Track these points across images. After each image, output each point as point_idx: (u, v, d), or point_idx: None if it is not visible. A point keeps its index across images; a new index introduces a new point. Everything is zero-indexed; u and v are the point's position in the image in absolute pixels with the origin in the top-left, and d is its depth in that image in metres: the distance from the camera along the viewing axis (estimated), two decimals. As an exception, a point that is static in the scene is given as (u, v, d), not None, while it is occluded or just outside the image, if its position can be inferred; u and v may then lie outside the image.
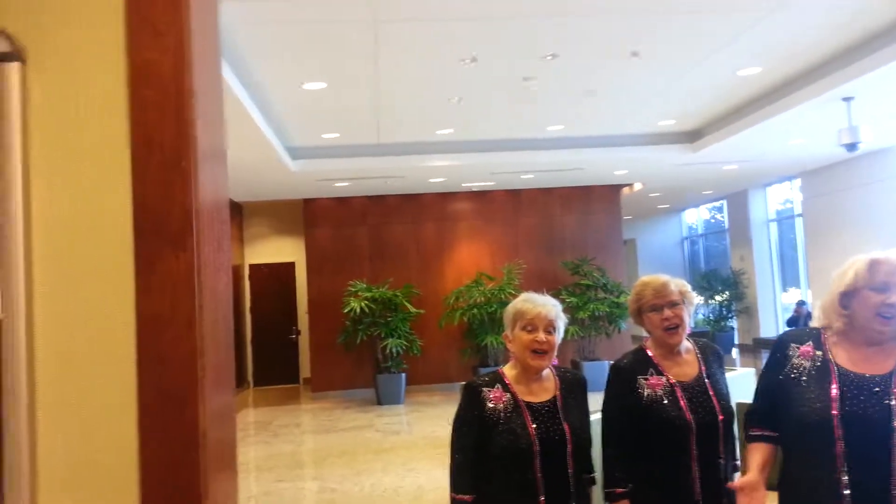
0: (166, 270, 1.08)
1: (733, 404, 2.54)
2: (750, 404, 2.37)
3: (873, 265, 2.16)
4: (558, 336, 2.45)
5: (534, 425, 2.35)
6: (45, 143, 1.14)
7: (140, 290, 1.09)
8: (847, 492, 2.02)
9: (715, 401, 2.42)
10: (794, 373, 2.22)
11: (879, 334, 2.12)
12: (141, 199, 1.09)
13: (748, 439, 2.34)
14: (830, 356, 2.19)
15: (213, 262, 1.16)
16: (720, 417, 2.39)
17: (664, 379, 2.45)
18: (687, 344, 2.56)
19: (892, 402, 2.03)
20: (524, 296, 2.54)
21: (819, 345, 2.23)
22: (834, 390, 2.10)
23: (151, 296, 1.08)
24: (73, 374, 1.12)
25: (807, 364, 2.20)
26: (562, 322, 2.48)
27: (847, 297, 2.19)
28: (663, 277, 2.55)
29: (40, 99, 1.14)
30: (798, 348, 2.25)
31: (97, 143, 1.13)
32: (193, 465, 1.14)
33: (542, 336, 2.40)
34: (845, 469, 2.03)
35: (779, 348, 2.32)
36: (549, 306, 2.45)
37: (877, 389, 2.07)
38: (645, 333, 2.62)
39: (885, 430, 2.01)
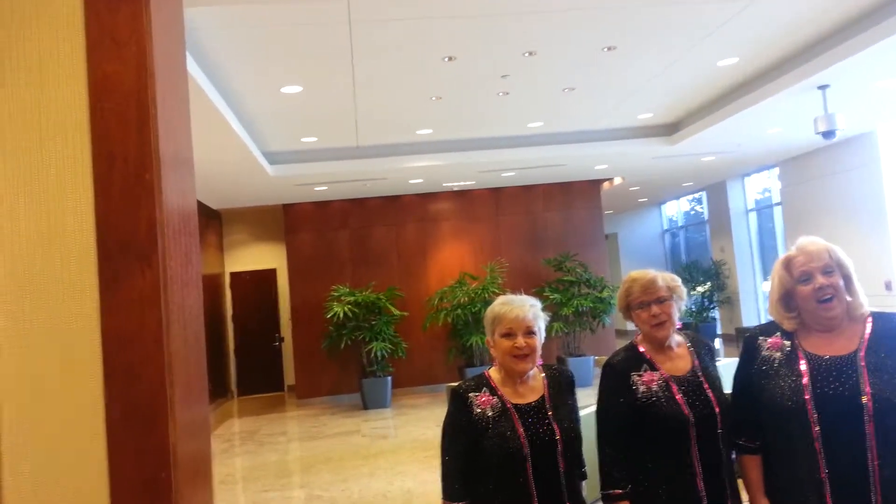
0: (131, 287, 1.05)
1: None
2: (731, 407, 2.39)
3: (787, 263, 2.27)
4: (540, 336, 2.43)
5: (523, 427, 2.33)
6: (6, 160, 1.11)
7: (105, 307, 1.06)
8: (825, 473, 2.06)
9: (711, 393, 2.40)
10: (765, 365, 2.26)
11: (830, 319, 2.18)
12: (104, 214, 1.06)
13: (737, 449, 2.37)
14: (798, 343, 2.23)
15: (181, 277, 1.13)
16: (717, 410, 2.37)
17: (658, 374, 2.42)
18: (678, 338, 2.54)
19: (861, 380, 2.06)
20: (501, 299, 2.51)
21: (787, 334, 2.27)
22: (804, 376, 2.15)
23: (117, 313, 1.05)
24: (38, 394, 1.09)
25: (777, 355, 2.25)
26: (542, 321, 2.46)
27: (786, 301, 2.27)
28: (651, 273, 2.53)
29: (0, 114, 1.11)
30: (766, 340, 2.30)
31: (59, 158, 1.10)
32: (165, 484, 1.11)
33: (521, 341, 2.38)
34: (822, 451, 2.06)
35: (748, 345, 2.37)
36: (525, 308, 2.43)
37: (845, 369, 2.11)
38: (629, 327, 2.60)
39: (856, 408, 2.04)
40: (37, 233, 1.09)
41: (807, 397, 2.11)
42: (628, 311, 2.55)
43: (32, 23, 1.13)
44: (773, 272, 2.32)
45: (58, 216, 1.09)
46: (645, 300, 2.47)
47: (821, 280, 2.16)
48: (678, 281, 2.55)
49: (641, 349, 2.51)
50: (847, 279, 2.19)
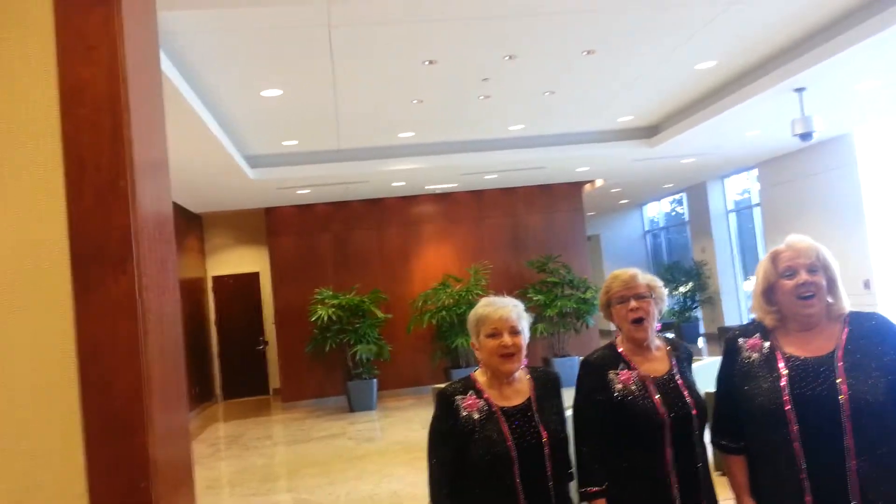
0: (106, 295, 1.03)
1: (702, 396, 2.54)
2: (714, 409, 2.41)
3: (774, 257, 2.28)
4: (524, 336, 2.43)
5: (509, 430, 2.32)
6: (-24, 167, 1.09)
7: (79, 316, 1.04)
8: (804, 475, 2.07)
9: (688, 396, 2.41)
10: (745, 366, 2.27)
11: (808, 317, 2.20)
12: (77, 222, 1.04)
13: (720, 449, 2.38)
14: (777, 344, 2.25)
15: (158, 284, 1.12)
16: (694, 412, 2.39)
17: (635, 373, 2.43)
18: (657, 341, 2.55)
19: (838, 380, 2.08)
20: (484, 301, 2.51)
21: (766, 335, 2.29)
22: (783, 377, 2.16)
23: (91, 321, 1.04)
24: (13, 406, 1.07)
25: (755, 356, 2.27)
26: (525, 321, 2.46)
27: (768, 295, 2.28)
28: (632, 270, 2.55)
29: (-33, 121, 1.09)
30: (746, 342, 2.31)
31: (30, 164, 1.09)
32: (146, 494, 1.10)
33: (507, 340, 2.38)
34: (802, 452, 2.08)
35: (728, 346, 2.38)
36: (509, 308, 2.43)
37: (822, 369, 2.12)
38: (613, 328, 2.62)
39: (834, 407, 2.06)
40: (8, 241, 1.07)
41: (785, 398, 2.12)
42: (608, 308, 2.57)
43: (1, 28, 1.11)
44: (759, 265, 2.33)
45: (30, 224, 1.07)
46: (625, 294, 2.49)
47: (804, 277, 2.17)
48: (659, 283, 2.57)
49: (620, 349, 2.52)
50: (831, 281, 2.20)
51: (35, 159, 1.07)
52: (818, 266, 2.19)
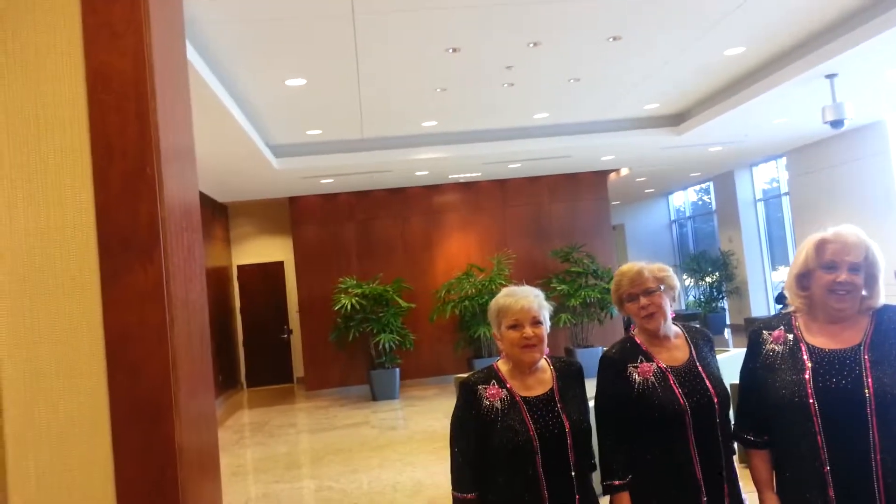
0: (133, 282, 1.04)
1: (727, 386, 2.52)
2: (737, 402, 2.38)
3: (820, 245, 2.19)
4: (546, 326, 2.42)
5: (532, 420, 2.32)
6: (4, 155, 1.10)
7: (106, 303, 1.05)
8: (827, 468, 2.04)
9: (708, 383, 2.39)
10: (769, 359, 2.24)
11: (837, 311, 2.15)
12: (104, 209, 1.05)
13: (743, 444, 2.35)
14: (801, 336, 2.21)
15: (184, 272, 1.12)
16: (715, 400, 2.37)
17: (654, 365, 2.42)
18: (675, 329, 2.53)
19: (864, 373, 2.05)
20: (505, 291, 2.50)
21: (790, 328, 2.25)
22: (807, 369, 2.12)
23: (119, 309, 1.04)
24: (41, 393, 1.08)
25: (779, 348, 2.23)
26: (546, 311, 2.44)
27: (803, 279, 2.22)
28: (638, 266, 2.53)
29: (-3, 108, 1.10)
30: (770, 334, 2.27)
31: (57, 152, 1.09)
32: (172, 480, 1.10)
33: (528, 331, 2.36)
34: (825, 445, 2.05)
35: (752, 339, 2.35)
36: (530, 298, 2.41)
37: (848, 362, 2.09)
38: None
39: (859, 400, 2.02)
40: (36, 229, 1.08)
41: (809, 391, 2.08)
42: (621, 305, 2.56)
43: (28, 15, 1.11)
44: (802, 246, 2.26)
45: (57, 212, 1.08)
46: (633, 292, 2.49)
47: (843, 276, 2.11)
48: (667, 271, 2.54)
49: (637, 341, 2.51)
50: (872, 278, 2.14)
51: (62, 146, 1.08)
52: (861, 265, 2.12)
